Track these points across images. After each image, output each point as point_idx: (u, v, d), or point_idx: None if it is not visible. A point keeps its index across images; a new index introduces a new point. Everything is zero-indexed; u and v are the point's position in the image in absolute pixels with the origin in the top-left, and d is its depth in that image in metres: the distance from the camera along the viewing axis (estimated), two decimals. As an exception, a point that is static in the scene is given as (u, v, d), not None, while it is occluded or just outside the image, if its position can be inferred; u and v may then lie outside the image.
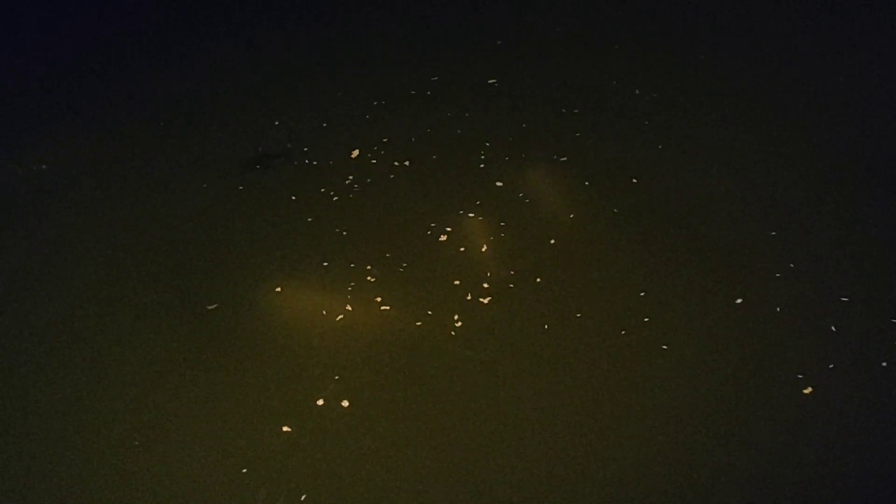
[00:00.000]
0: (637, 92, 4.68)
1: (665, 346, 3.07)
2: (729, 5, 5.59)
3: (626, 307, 3.26)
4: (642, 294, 3.31)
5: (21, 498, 2.67)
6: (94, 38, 5.74)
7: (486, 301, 3.31)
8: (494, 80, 4.90)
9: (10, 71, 5.36)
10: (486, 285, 3.39)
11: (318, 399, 2.93)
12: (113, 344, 3.21)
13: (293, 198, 3.95)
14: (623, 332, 3.12)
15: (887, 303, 3.21)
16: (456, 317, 3.24)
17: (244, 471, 2.68)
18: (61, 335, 3.28)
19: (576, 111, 4.53)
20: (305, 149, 4.31)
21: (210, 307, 3.33)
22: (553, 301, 3.30)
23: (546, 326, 3.18)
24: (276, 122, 4.55)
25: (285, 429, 2.84)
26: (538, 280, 3.41)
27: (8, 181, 4.23)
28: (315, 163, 4.21)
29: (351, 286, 3.41)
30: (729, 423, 2.80)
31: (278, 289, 3.41)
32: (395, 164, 4.17)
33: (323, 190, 4.00)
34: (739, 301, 3.23)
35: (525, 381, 2.98)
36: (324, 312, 3.29)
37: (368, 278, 3.45)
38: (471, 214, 3.79)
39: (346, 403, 2.91)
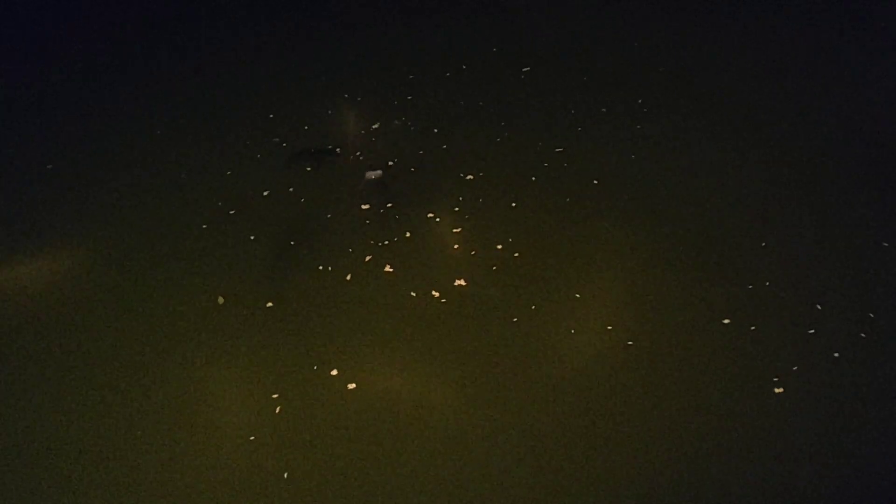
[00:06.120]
0: (640, 101, 4.80)
1: (630, 343, 3.28)
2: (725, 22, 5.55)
3: (570, 306, 3.47)
4: (612, 294, 3.53)
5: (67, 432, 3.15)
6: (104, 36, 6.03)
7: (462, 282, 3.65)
8: (528, 68, 5.13)
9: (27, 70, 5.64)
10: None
11: (331, 370, 3.30)
12: (133, 336, 3.58)
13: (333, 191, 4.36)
14: (573, 332, 3.34)
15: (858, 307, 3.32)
16: (436, 293, 3.60)
17: (252, 438, 3.15)
18: (89, 318, 3.68)
19: (603, 109, 4.73)
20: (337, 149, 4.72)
21: (220, 301, 3.71)
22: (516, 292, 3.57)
23: (515, 320, 3.45)
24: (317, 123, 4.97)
25: (275, 395, 3.23)
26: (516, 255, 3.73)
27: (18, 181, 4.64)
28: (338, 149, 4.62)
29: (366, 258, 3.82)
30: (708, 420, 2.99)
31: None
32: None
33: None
34: (726, 321, 3.35)
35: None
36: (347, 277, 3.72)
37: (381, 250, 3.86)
38: (455, 208, 4.11)
39: (352, 386, 3.24)
